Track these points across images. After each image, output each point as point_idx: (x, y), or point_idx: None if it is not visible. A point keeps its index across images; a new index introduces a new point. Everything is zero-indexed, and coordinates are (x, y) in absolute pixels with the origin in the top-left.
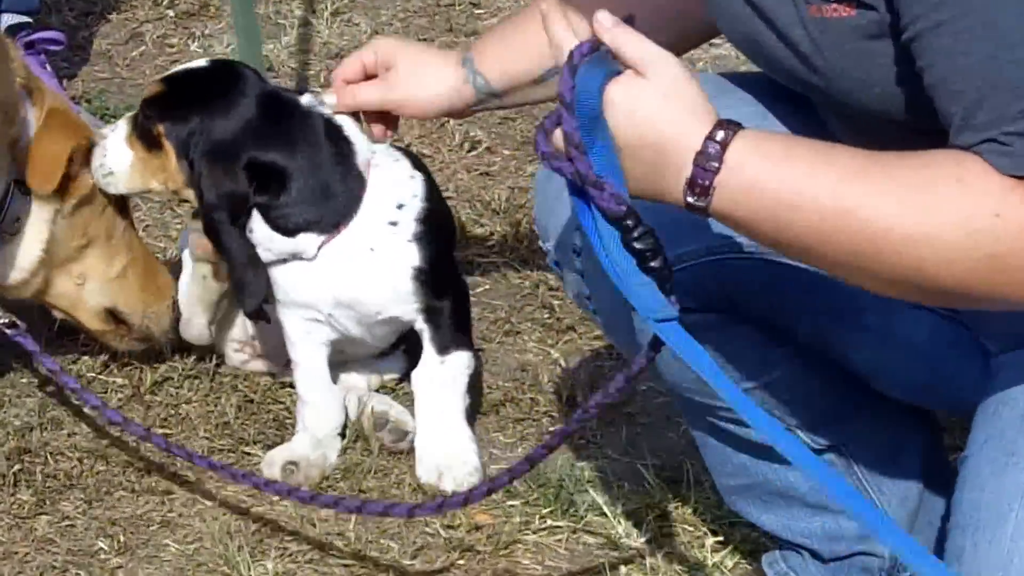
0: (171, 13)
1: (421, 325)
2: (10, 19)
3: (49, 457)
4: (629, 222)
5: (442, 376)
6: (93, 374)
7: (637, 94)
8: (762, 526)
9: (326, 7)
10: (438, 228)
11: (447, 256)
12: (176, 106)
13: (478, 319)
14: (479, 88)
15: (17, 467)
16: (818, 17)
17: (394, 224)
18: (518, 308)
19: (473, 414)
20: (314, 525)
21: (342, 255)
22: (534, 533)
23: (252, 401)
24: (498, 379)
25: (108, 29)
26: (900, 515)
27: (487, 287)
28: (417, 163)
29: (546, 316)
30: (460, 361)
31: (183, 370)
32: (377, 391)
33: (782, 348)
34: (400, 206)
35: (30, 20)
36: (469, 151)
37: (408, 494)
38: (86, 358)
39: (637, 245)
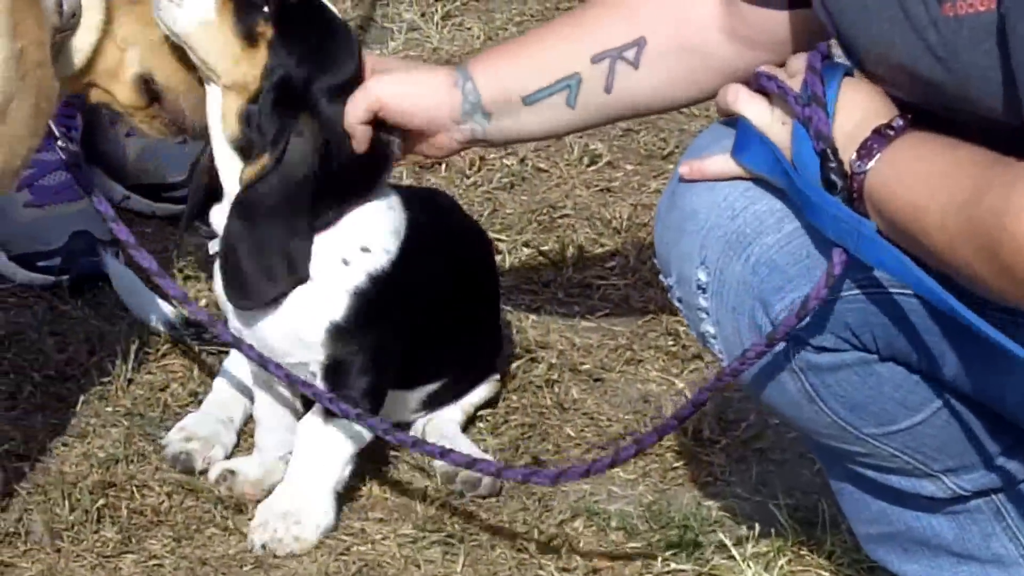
0: None
1: (320, 383)
2: None
3: (135, 491)
4: (830, 155)
5: (324, 437)
6: (179, 405)
7: (866, 83)
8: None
9: (436, 10)
10: (401, 299)
11: (399, 327)
12: (294, 25)
13: (597, 346)
14: (467, 94)
15: (101, 502)
16: (951, 16)
17: (346, 263)
18: (640, 335)
19: (344, 496)
20: (419, 566)
21: None
22: None
23: None
24: (618, 411)
25: None
26: None
27: (606, 312)
28: (421, 220)
29: (670, 343)
30: (348, 429)
31: None
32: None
33: (927, 389)
34: (364, 250)
35: None
36: (588, 165)
37: (522, 535)
38: (175, 385)
39: (832, 177)
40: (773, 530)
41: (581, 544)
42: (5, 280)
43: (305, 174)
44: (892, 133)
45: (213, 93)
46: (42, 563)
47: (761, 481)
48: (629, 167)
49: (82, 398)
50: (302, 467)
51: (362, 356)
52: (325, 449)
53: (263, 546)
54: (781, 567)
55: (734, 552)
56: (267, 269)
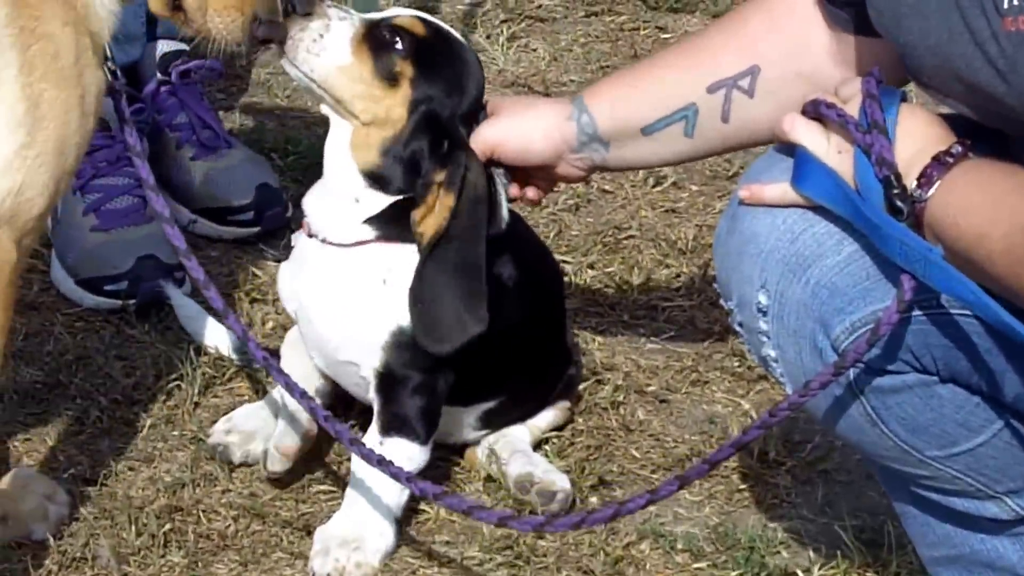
0: None
1: (371, 393)
2: (166, 46)
3: (202, 516)
4: (894, 181)
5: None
6: None
7: (923, 109)
8: None
9: (502, 32)
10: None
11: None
12: (430, 58)
13: (663, 367)
14: (583, 127)
15: (168, 526)
16: (1013, 31)
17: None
18: (706, 356)
19: (404, 519)
20: None
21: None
22: None
23: None
24: (684, 432)
25: (267, 58)
26: None
27: (672, 333)
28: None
29: (736, 364)
30: (401, 451)
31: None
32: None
33: (988, 410)
34: None
35: (186, 48)
36: (654, 186)
37: (588, 557)
38: None
39: (897, 202)
40: (839, 552)
41: (647, 566)
42: (72, 305)
43: (484, 206)
44: (951, 160)
45: (342, 127)
46: None
47: (827, 502)
48: (694, 188)
49: (149, 422)
50: (359, 492)
51: (419, 374)
52: (377, 478)
53: (328, 575)
54: None
55: (799, 574)
56: (462, 308)
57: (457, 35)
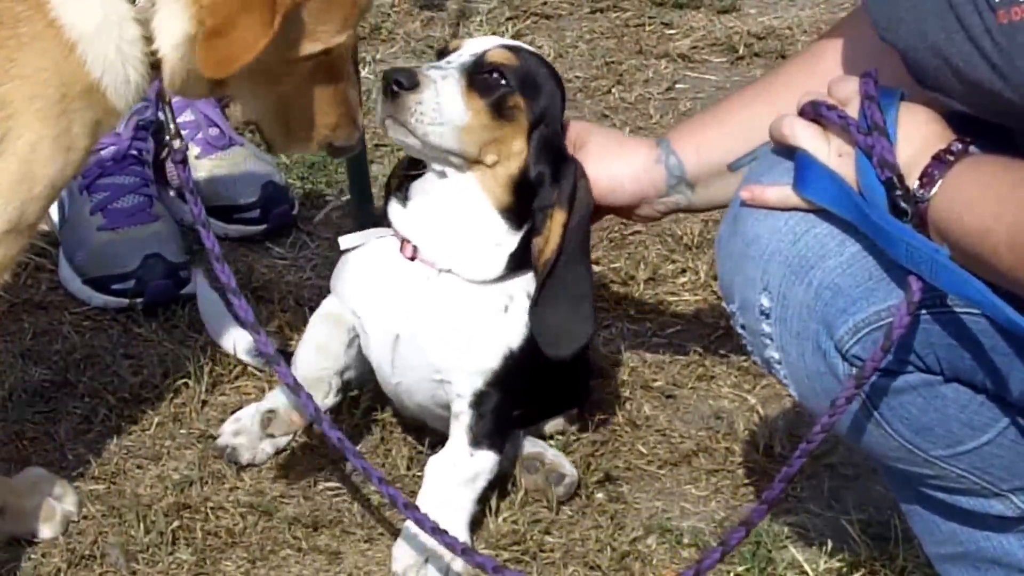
0: None
1: (460, 408)
2: None
3: (210, 513)
4: (897, 182)
5: (464, 471)
6: None
7: (922, 107)
8: None
9: (507, 29)
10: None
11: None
12: (532, 82)
13: (669, 362)
14: (671, 169)
15: (176, 524)
16: (1006, 23)
17: (528, 296)
18: (712, 350)
19: (475, 527)
20: None
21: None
22: None
23: (422, 453)
24: (690, 427)
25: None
26: None
27: (678, 328)
28: None
29: (742, 359)
30: (487, 462)
31: (351, 420)
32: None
33: (992, 409)
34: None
35: None
36: None
37: (594, 552)
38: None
39: (900, 203)
40: (846, 546)
41: (654, 561)
42: (80, 304)
43: (589, 216)
44: (952, 158)
45: (463, 176)
46: None
47: (833, 496)
48: None
49: (156, 420)
50: (436, 502)
51: (504, 392)
52: (464, 487)
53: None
54: None
55: (807, 568)
56: (580, 314)
57: (531, 48)
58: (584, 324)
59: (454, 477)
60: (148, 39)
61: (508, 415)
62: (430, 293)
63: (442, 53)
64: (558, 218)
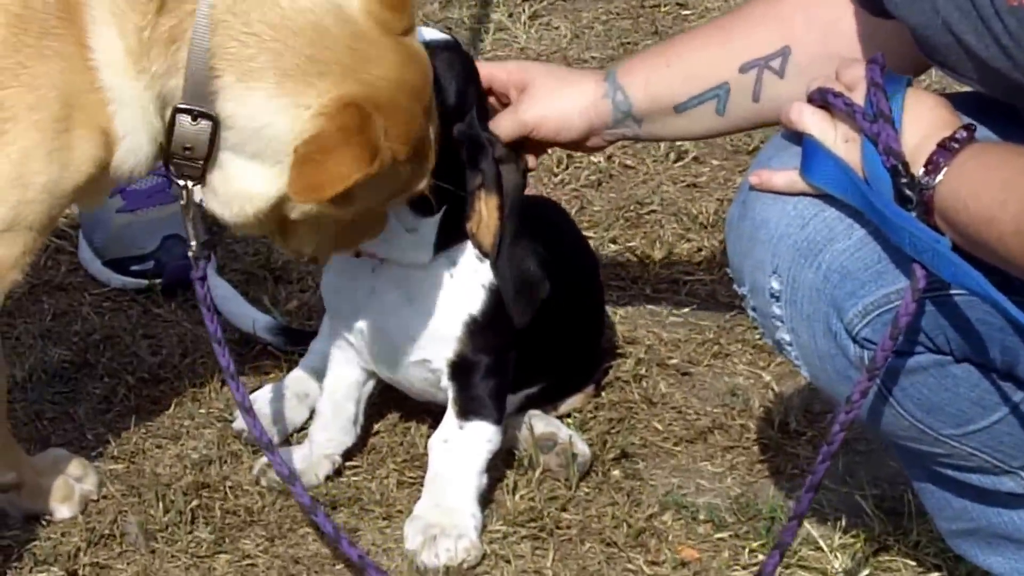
0: None
1: (444, 383)
2: None
3: (228, 492)
4: (902, 169)
5: (458, 444)
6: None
7: (927, 93)
8: (990, 569)
9: (523, 10)
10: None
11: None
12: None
13: (684, 340)
14: (617, 105)
15: (195, 503)
16: (1016, 5)
17: (480, 260)
18: (727, 328)
19: (487, 497)
20: (509, 562)
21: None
22: (743, 568)
23: None
24: (706, 404)
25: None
26: None
27: (694, 306)
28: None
29: (757, 337)
30: (481, 432)
31: (371, 399)
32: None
33: (1002, 388)
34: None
35: None
36: (675, 161)
37: (611, 529)
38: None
39: (906, 191)
40: (860, 521)
41: (669, 537)
42: (100, 285)
43: (523, 188)
44: (956, 146)
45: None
46: (137, 564)
47: (847, 472)
48: (715, 162)
49: (175, 400)
50: (444, 478)
51: (489, 357)
52: (462, 459)
53: (447, 568)
54: (868, 557)
55: (821, 543)
56: (529, 282)
57: (438, 34)
58: (532, 294)
59: (450, 452)
60: None
61: (498, 383)
62: (378, 282)
63: None
64: (491, 202)
